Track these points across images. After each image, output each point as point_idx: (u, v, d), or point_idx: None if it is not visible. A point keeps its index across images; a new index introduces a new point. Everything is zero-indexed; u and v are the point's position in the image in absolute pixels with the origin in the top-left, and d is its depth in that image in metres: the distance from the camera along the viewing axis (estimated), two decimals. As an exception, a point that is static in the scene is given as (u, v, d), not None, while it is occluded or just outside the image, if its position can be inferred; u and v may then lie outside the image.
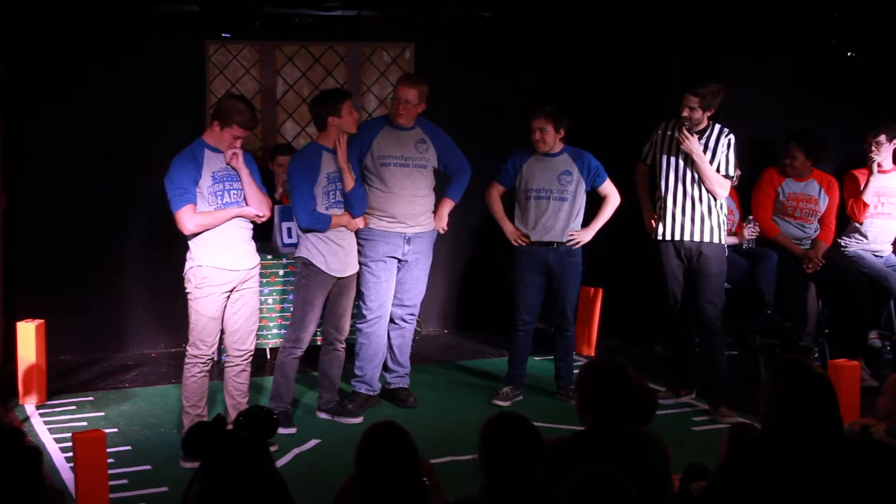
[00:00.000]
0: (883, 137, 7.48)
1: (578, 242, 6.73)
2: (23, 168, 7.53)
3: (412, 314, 6.79)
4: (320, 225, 6.13)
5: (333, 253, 6.20)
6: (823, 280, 7.42)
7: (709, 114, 6.45)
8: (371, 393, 6.64)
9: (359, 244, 6.49)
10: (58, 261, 7.73)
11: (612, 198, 6.83)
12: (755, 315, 7.28)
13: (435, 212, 6.72)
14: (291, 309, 6.43)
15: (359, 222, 6.35)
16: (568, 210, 6.69)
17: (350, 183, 6.18)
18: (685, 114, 6.40)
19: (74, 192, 7.71)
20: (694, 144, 6.38)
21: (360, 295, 6.60)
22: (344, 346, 6.44)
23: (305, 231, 6.17)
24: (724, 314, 6.68)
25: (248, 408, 3.02)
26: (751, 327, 7.35)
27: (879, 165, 7.52)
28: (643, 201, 6.80)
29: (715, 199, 6.46)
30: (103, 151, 7.76)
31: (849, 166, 7.78)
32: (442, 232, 6.80)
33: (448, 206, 6.76)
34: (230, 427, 2.90)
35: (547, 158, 6.71)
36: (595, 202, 6.86)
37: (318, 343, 6.58)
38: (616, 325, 8.26)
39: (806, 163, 7.51)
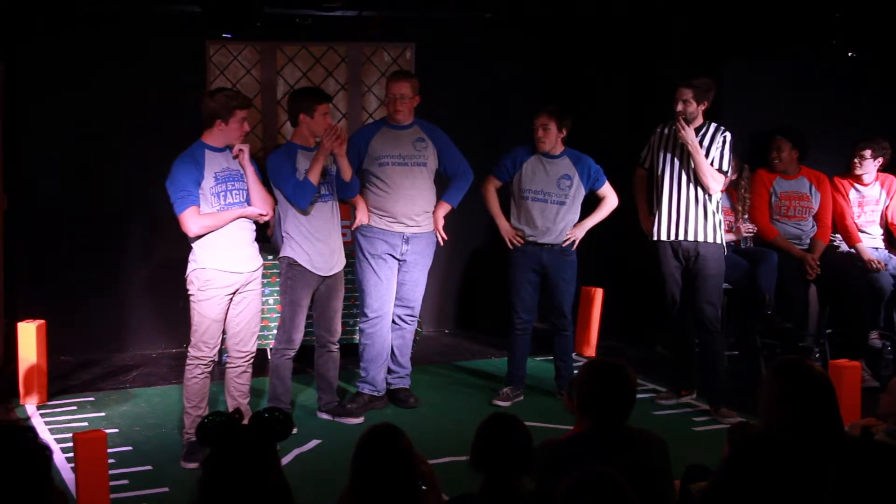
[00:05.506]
0: (868, 153, 7.50)
1: (574, 242, 6.75)
2: (23, 168, 7.54)
3: (412, 315, 6.79)
4: (306, 190, 5.99)
5: (318, 252, 6.16)
6: (824, 280, 7.41)
7: (703, 107, 6.43)
8: (375, 394, 6.63)
9: (358, 240, 6.51)
10: (58, 261, 7.73)
11: (610, 199, 6.83)
12: (756, 315, 7.27)
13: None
14: (280, 310, 6.40)
15: (361, 216, 6.37)
16: (565, 214, 6.69)
17: (348, 172, 6.17)
18: (679, 107, 6.38)
19: (74, 192, 7.73)
20: (690, 135, 6.35)
21: (361, 294, 6.61)
22: (338, 346, 6.42)
23: (297, 207, 6.05)
24: (723, 314, 6.68)
25: (267, 408, 2.99)
26: (751, 328, 7.34)
27: (860, 178, 7.56)
28: (640, 205, 6.81)
29: (710, 197, 6.44)
30: (103, 152, 7.77)
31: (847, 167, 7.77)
32: (442, 240, 6.73)
33: (444, 209, 6.70)
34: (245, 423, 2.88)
35: (548, 160, 6.69)
36: (593, 200, 6.85)
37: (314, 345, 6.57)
38: (616, 326, 8.26)
39: (792, 155, 7.49)
